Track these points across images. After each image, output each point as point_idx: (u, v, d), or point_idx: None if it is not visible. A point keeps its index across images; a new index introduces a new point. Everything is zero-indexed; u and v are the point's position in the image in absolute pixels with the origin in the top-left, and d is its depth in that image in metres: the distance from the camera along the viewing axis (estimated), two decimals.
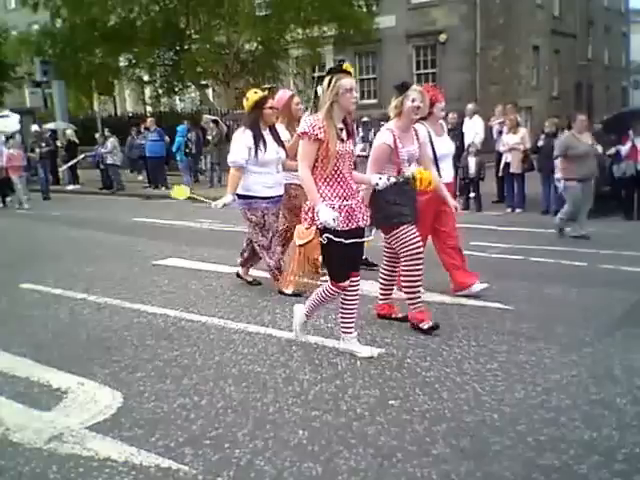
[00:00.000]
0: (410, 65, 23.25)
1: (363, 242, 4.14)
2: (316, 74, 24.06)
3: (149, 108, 25.98)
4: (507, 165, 10.84)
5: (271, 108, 5.59)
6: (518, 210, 10.73)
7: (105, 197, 16.74)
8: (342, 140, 3.89)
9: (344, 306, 4.16)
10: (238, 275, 6.27)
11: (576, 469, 2.74)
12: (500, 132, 11.64)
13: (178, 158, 15.78)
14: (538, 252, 7.03)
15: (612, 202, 9.96)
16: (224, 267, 6.93)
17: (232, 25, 19.26)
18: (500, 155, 11.38)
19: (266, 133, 5.57)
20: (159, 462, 2.92)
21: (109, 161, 16.53)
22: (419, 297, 4.60)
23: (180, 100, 25.88)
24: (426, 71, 23.14)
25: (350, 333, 4.19)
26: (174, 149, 15.78)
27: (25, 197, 14.42)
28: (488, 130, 12.25)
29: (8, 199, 14.94)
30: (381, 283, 4.93)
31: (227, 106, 20.98)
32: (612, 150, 9.83)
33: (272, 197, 5.64)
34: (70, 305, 5.70)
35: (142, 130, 17.18)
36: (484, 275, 6.20)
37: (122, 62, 22.27)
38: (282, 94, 6.07)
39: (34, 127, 17.71)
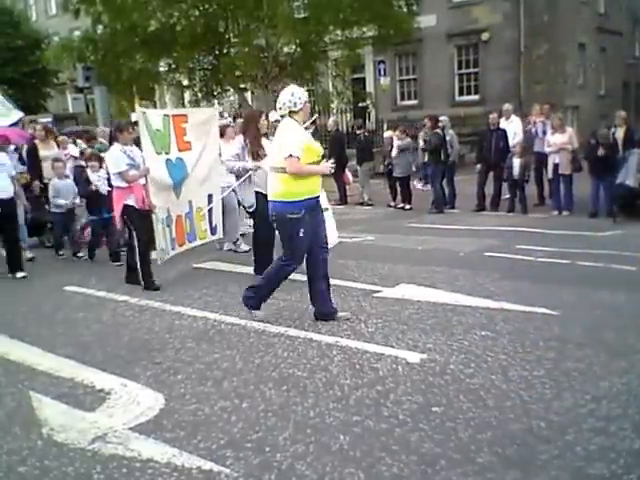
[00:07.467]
0: (452, 65, 22.92)
1: None
2: (355, 75, 24.07)
3: None
4: (555, 166, 10.52)
5: None
6: (565, 212, 10.39)
7: None
8: None
9: None
10: None
11: (626, 479, 2.67)
12: (540, 132, 11.35)
13: None
14: (586, 256, 6.82)
15: None
16: None
17: (271, 28, 19.33)
18: (541, 156, 11.08)
19: None
20: (201, 464, 2.93)
21: None
22: None
23: (219, 104, 26.09)
24: (468, 71, 22.80)
25: None
26: None
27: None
28: (527, 131, 11.92)
29: None
30: None
31: (266, 109, 21.07)
32: None
33: None
34: (113, 307, 5.79)
35: None
36: (530, 280, 6.09)
37: (162, 67, 22.56)
38: None
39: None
